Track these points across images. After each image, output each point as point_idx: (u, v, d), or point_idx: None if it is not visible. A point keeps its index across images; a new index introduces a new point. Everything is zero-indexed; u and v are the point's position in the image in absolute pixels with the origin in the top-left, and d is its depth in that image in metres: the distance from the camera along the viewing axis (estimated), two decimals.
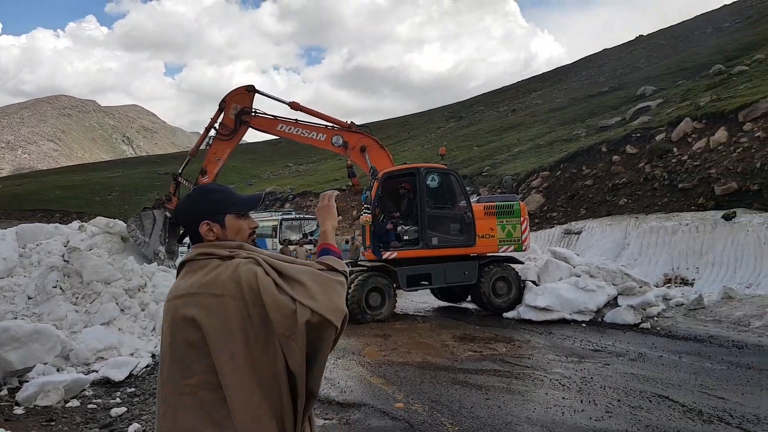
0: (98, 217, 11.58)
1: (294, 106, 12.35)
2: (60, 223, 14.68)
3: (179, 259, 10.53)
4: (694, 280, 13.44)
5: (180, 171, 12.56)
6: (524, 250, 11.95)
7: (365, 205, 11.05)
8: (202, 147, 12.57)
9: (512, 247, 11.66)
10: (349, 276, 10.81)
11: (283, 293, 1.56)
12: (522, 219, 11.83)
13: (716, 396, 5.66)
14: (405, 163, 13.44)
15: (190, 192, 1.96)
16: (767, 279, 11.86)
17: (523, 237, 11.81)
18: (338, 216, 2.09)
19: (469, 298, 12.54)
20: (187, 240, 1.87)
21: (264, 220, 25.43)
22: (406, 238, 11.26)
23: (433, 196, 11.27)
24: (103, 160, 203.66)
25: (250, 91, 12.22)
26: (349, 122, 12.49)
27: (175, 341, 1.61)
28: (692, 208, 15.26)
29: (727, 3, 64.19)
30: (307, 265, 1.69)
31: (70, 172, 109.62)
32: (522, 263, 11.88)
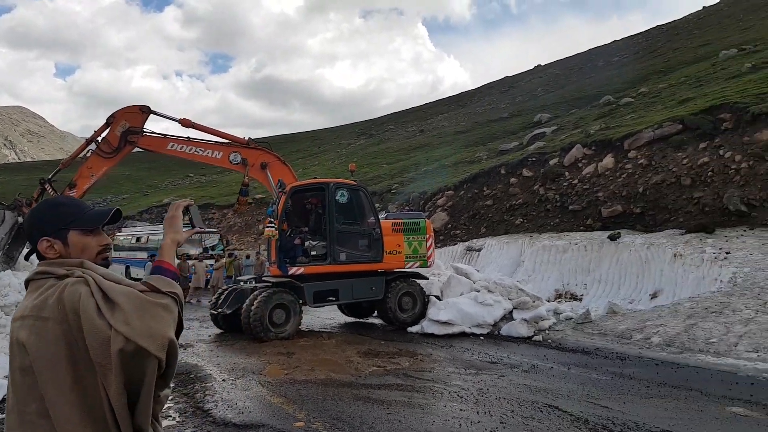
0: None
1: (185, 123, 11.69)
2: None
3: (22, 271, 9.66)
4: (582, 295, 14.41)
5: (50, 177, 11.46)
6: (429, 266, 12.27)
7: (270, 219, 10.79)
8: (81, 156, 11.57)
9: (418, 263, 11.92)
10: (254, 292, 10.55)
11: (102, 318, 1.41)
12: (428, 236, 12.16)
13: (601, 405, 6.04)
14: (315, 178, 13.33)
15: (37, 204, 1.79)
16: (647, 295, 12.96)
17: (429, 253, 12.14)
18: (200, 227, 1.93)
19: (375, 313, 12.60)
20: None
21: (160, 232, 24.14)
22: (313, 253, 11.13)
23: (341, 211, 11.25)
24: None
25: (144, 111, 11.43)
26: (246, 138, 12.06)
27: (12, 367, 1.50)
28: (581, 228, 16.42)
29: (617, 39, 70.62)
30: (131, 286, 1.54)
31: None
32: (427, 279, 12.15)
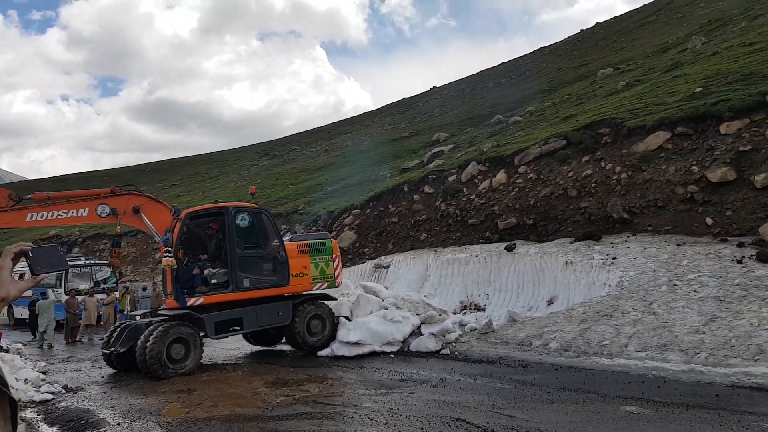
0: None
1: (38, 197, 10.56)
2: None
3: None
4: (485, 305, 14.93)
5: None
6: (337, 287, 12.15)
7: (166, 248, 10.18)
8: None
9: (326, 284, 11.76)
10: (149, 327, 9.85)
11: None
12: (334, 256, 12.06)
13: (506, 414, 6.22)
14: (217, 201, 12.79)
15: None
16: (544, 302, 13.67)
17: (336, 273, 12.04)
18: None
19: (283, 339, 12.25)
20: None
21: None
22: (214, 281, 10.64)
23: (243, 235, 10.88)
24: None
25: (12, 198, 10.26)
26: (111, 188, 11.26)
27: None
28: (481, 240, 17.10)
29: (505, 61, 75.19)
30: None
31: None
32: (335, 299, 12.01)
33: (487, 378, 8.04)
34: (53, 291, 19.20)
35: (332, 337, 11.19)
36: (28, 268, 1.54)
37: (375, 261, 19.49)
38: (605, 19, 74.78)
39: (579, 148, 16.65)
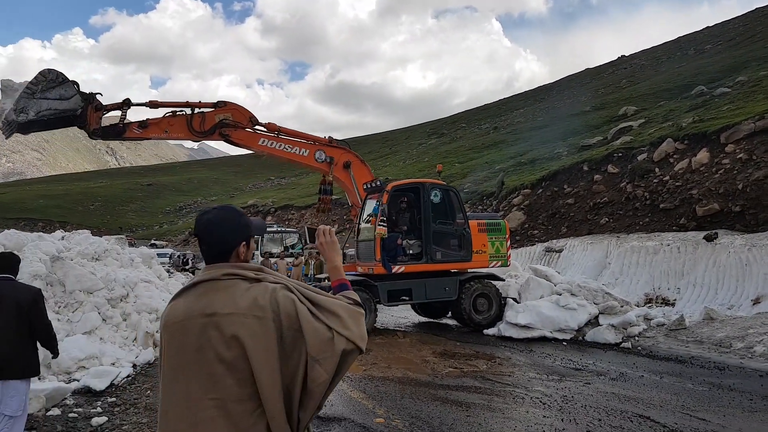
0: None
1: (271, 127, 11.75)
2: (43, 232, 14.31)
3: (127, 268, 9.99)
4: (675, 300, 13.48)
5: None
6: (508, 266, 12.07)
7: (381, 217, 10.92)
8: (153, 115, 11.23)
9: (500, 263, 11.87)
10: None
11: (319, 321, 1.70)
12: (507, 236, 12.03)
13: (698, 417, 5.58)
14: (386, 179, 13.37)
15: (222, 208, 1.87)
16: (749, 301, 11.92)
17: (508, 254, 11.97)
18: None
19: (449, 314, 12.45)
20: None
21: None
22: (410, 252, 11.24)
23: (435, 211, 11.33)
24: (86, 170, 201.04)
25: (252, 121, 11.45)
26: (328, 137, 12.13)
27: (203, 357, 1.67)
28: (673, 228, 15.38)
29: (710, 25, 65.88)
30: (335, 298, 1.83)
31: (54, 181, 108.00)
32: (503, 280, 11.86)
33: (675, 377, 7.28)
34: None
35: (498, 317, 11.08)
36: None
37: (546, 244, 18.71)
38: None
39: None
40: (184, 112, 11.14)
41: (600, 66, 74.29)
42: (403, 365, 8.13)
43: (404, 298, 11.37)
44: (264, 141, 11.60)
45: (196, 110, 11.20)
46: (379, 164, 58.24)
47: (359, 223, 11.99)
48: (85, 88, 10.59)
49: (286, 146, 11.69)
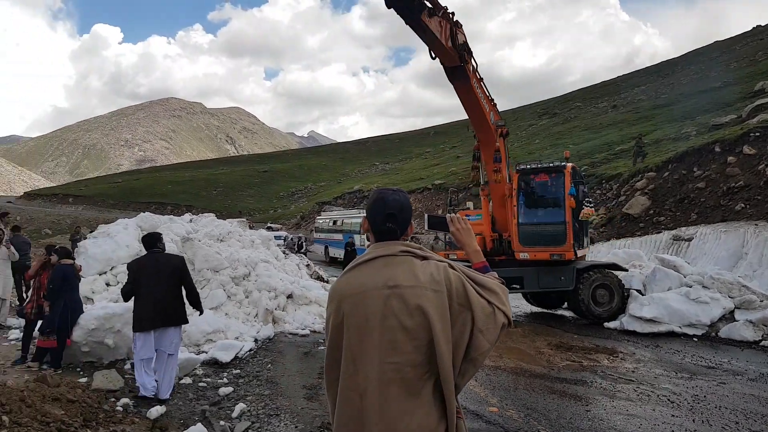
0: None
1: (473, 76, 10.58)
2: (172, 214, 15.78)
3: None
4: None
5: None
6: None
7: (587, 200, 10.89)
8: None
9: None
10: None
11: (482, 297, 1.91)
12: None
13: None
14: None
15: (402, 192, 2.08)
16: None
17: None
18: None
19: (565, 304, 12.03)
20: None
21: (353, 216, 26.15)
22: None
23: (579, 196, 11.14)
24: (208, 158, 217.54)
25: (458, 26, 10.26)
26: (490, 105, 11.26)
27: (386, 324, 1.85)
28: None
29: None
30: (489, 277, 2.01)
31: (180, 168, 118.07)
32: (626, 270, 11.22)
33: None
34: (359, 236, 22.71)
35: (620, 309, 10.50)
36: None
37: (673, 232, 17.35)
38: None
39: None
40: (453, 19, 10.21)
41: (731, 38, 66.69)
42: (515, 356, 8.02)
43: (515, 286, 11.08)
44: (474, 81, 10.71)
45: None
46: None
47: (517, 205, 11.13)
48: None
49: (482, 99, 10.85)
